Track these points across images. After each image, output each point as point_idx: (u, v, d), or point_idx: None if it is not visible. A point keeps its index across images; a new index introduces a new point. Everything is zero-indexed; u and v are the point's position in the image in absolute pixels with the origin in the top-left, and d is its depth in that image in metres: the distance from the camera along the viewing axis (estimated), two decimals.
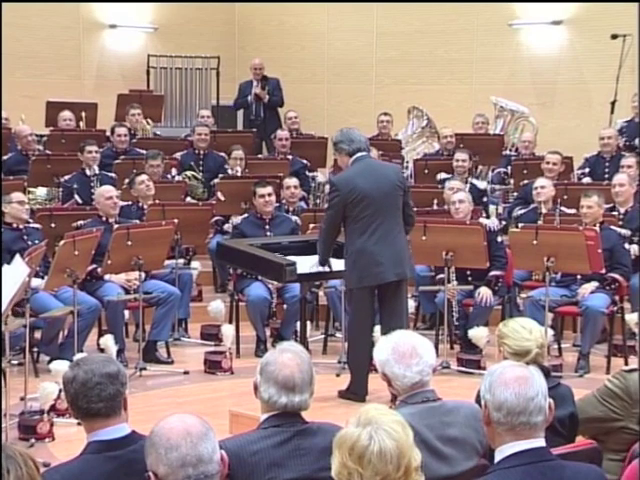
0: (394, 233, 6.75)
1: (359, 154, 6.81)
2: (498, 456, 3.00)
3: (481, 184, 10.11)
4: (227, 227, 9.09)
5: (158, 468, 2.61)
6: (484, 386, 3.03)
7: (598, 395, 4.08)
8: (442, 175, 10.22)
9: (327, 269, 6.90)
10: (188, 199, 9.85)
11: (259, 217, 8.53)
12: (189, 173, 10.30)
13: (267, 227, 8.47)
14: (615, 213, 8.58)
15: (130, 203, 8.81)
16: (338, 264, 6.93)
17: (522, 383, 3.01)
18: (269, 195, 8.51)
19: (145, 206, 8.75)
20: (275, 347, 3.49)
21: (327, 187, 10.89)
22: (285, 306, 8.18)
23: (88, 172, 9.66)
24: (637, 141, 10.51)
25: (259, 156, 11.33)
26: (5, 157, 10.09)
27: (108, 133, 11.01)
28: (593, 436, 3.97)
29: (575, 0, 12.41)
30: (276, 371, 3.30)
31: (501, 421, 2.97)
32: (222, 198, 9.46)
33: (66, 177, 9.62)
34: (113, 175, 9.74)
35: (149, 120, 11.64)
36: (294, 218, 8.77)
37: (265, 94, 12.40)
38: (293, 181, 9.36)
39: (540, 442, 3.00)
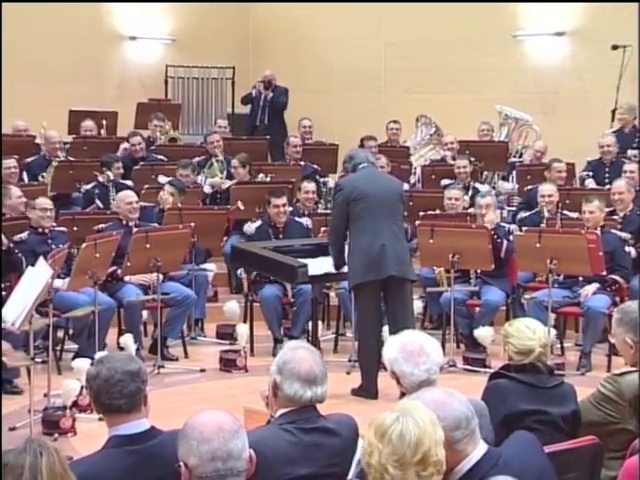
0: (395, 235, 6.88)
1: (361, 165, 7.04)
2: (456, 476, 2.94)
3: (483, 188, 10.10)
4: (246, 229, 9.02)
5: (189, 459, 2.62)
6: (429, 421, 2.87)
7: (593, 400, 4.05)
8: (445, 181, 10.24)
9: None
10: (209, 181, 10.03)
11: (272, 225, 8.55)
12: (214, 159, 10.37)
13: (280, 236, 8.47)
14: (615, 217, 8.57)
15: (152, 205, 8.84)
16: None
17: (452, 395, 3.02)
18: (283, 206, 8.52)
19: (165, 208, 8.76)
20: (283, 347, 3.49)
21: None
22: (295, 306, 8.18)
23: (103, 179, 9.67)
24: (629, 152, 10.44)
25: (274, 163, 11.33)
26: (30, 159, 10.12)
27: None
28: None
29: (578, 0, 12.39)
30: (297, 367, 3.28)
31: (465, 434, 2.95)
32: (242, 207, 9.41)
33: (87, 187, 9.61)
34: (129, 183, 9.75)
35: (171, 130, 11.71)
36: (305, 221, 8.80)
37: (268, 93, 12.44)
38: (312, 186, 9.36)
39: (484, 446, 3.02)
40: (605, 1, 11.91)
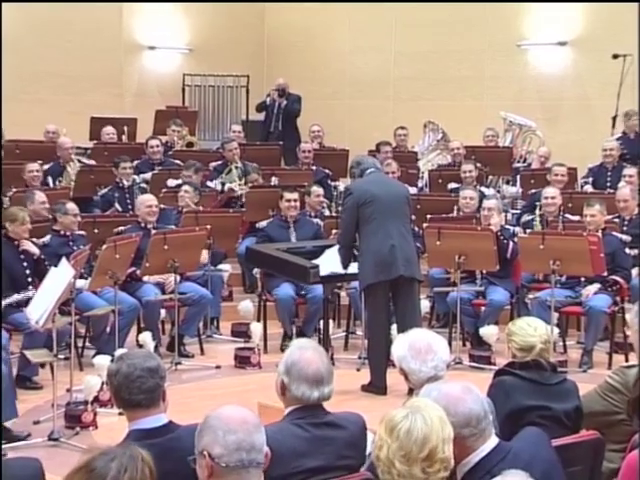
0: (403, 236, 6.88)
1: (368, 170, 7.06)
2: (465, 467, 2.94)
3: (488, 191, 10.09)
4: (259, 223, 9.08)
5: (214, 449, 2.62)
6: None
7: (600, 391, 4.06)
8: (452, 185, 10.25)
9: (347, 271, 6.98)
10: (227, 186, 10.05)
11: (284, 220, 8.61)
12: (232, 166, 10.39)
13: (291, 229, 8.57)
14: (617, 220, 8.55)
15: (172, 207, 8.87)
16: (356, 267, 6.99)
17: (469, 392, 2.99)
18: (294, 201, 8.61)
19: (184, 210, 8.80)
20: (291, 346, 3.46)
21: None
22: (307, 305, 8.19)
23: (126, 182, 9.71)
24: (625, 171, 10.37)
25: (287, 167, 11.35)
26: (46, 166, 10.14)
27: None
28: (596, 429, 3.94)
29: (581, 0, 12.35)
30: (304, 369, 3.28)
31: (473, 433, 2.93)
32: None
33: (104, 190, 9.67)
34: (145, 186, 9.81)
35: (188, 135, 11.77)
36: (316, 221, 8.85)
37: (282, 100, 12.46)
38: (321, 190, 9.40)
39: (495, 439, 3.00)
40: (607, 0, 11.87)
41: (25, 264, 7.17)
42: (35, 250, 7.22)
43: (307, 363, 3.29)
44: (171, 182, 9.76)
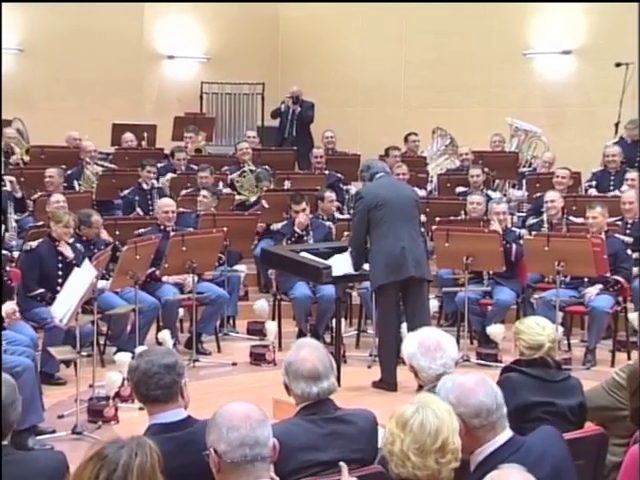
0: (413, 238, 6.86)
1: (378, 174, 7.02)
2: (479, 457, 2.95)
3: (495, 195, 10.07)
4: (273, 226, 9.10)
5: (219, 445, 2.62)
6: (449, 403, 2.89)
7: (606, 386, 4.05)
8: (460, 188, 10.24)
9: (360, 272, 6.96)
10: (238, 197, 10.02)
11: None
12: (246, 168, 10.35)
13: (308, 231, 8.57)
14: (619, 223, 8.52)
15: (190, 211, 8.88)
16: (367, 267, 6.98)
17: (483, 384, 2.99)
18: (303, 210, 8.60)
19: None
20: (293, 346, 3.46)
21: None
22: (318, 304, 8.18)
23: (145, 186, 9.74)
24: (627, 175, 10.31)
25: (300, 172, 11.36)
26: (69, 171, 10.15)
27: (166, 151, 11.11)
28: (600, 423, 3.93)
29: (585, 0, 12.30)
30: (300, 368, 3.29)
31: (483, 424, 2.93)
32: (266, 205, 9.51)
33: (126, 192, 9.68)
34: (165, 185, 9.84)
35: (203, 141, 11.77)
36: (328, 224, 8.85)
37: (296, 107, 12.46)
38: (333, 194, 9.41)
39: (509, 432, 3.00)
40: (607, 0, 11.81)
41: (59, 265, 7.20)
42: (70, 254, 7.25)
43: (302, 362, 3.30)
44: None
